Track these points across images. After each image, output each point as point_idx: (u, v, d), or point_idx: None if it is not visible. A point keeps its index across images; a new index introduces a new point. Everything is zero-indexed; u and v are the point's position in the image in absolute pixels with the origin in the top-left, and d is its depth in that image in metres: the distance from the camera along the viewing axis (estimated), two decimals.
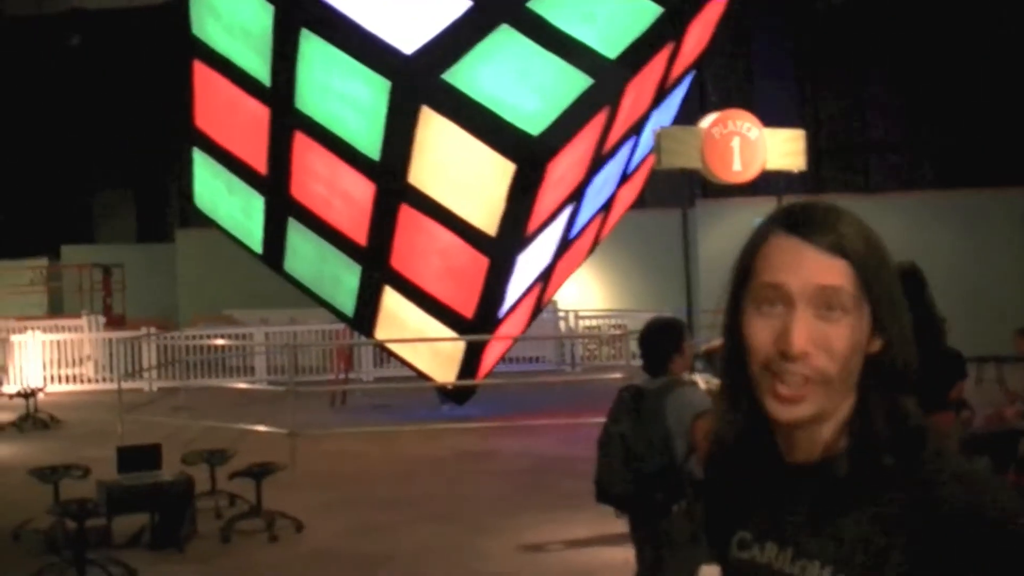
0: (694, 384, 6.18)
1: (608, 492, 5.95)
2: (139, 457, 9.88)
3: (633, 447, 5.78)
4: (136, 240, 33.65)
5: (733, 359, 1.68)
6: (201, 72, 14.51)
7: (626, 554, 6.24)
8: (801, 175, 14.84)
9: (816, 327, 1.58)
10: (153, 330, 22.50)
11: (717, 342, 7.80)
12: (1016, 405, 11.10)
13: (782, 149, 14.27)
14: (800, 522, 1.65)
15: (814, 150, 14.17)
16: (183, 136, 15.80)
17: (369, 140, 13.13)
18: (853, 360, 1.61)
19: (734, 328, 1.68)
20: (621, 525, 6.19)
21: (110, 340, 22.54)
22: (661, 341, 6.00)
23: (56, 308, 30.00)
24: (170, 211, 32.38)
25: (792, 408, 1.60)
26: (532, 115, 12.43)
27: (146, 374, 21.54)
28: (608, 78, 12.79)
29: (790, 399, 1.59)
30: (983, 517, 1.52)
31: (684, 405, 5.73)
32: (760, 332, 1.62)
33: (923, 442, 1.61)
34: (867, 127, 25.60)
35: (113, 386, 18.30)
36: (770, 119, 15.18)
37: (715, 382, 8.26)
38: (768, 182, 15.21)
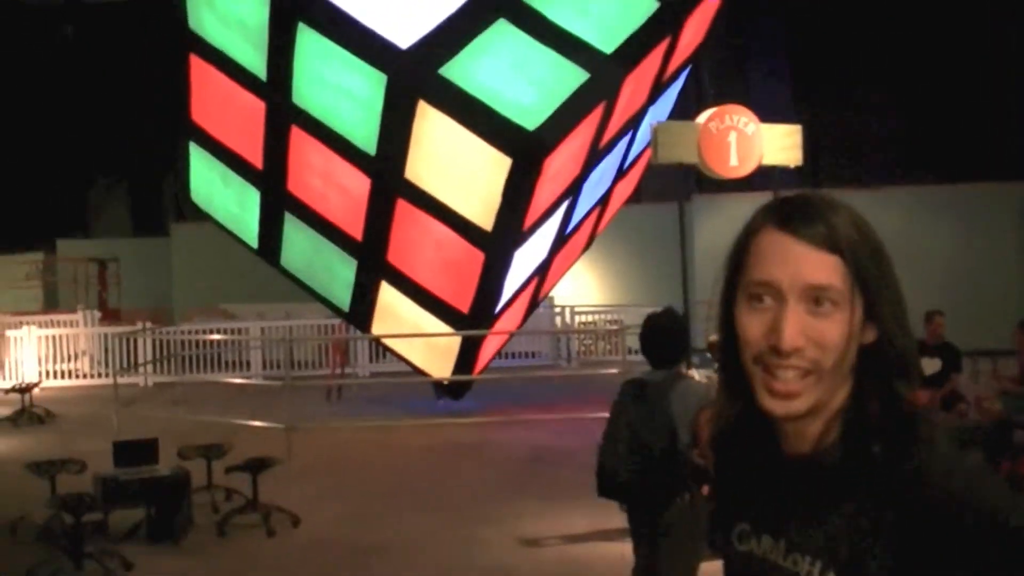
0: (694, 377, 6.21)
1: (613, 480, 5.98)
2: (135, 451, 9.89)
3: (639, 434, 5.81)
4: (132, 234, 33.62)
5: (729, 350, 1.70)
6: (197, 66, 14.49)
7: (623, 548, 6.26)
8: (798, 170, 14.83)
9: (808, 322, 1.59)
10: (149, 325, 22.47)
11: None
12: (994, 397, 11.10)
13: (779, 144, 14.26)
14: (792, 515, 1.66)
15: (811, 144, 14.13)
16: (179, 129, 15.78)
17: (365, 134, 13.12)
18: (847, 351, 1.61)
19: (728, 320, 1.68)
20: (619, 519, 6.20)
21: (105, 335, 22.52)
22: (673, 337, 6.01)
23: (51, 303, 29.96)
24: (166, 204, 32.30)
25: (787, 403, 1.61)
26: (528, 110, 12.41)
27: (141, 369, 21.51)
28: (605, 73, 12.78)
29: (784, 394, 1.60)
30: (973, 510, 1.51)
31: (690, 396, 5.76)
32: (752, 326, 1.62)
33: (914, 431, 1.60)
34: (865, 120, 25.55)
35: (108, 381, 18.28)
36: (766, 112, 15.18)
37: (715, 376, 8.28)
38: (765, 177, 15.21)
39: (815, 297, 1.59)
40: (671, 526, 5.86)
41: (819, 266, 1.59)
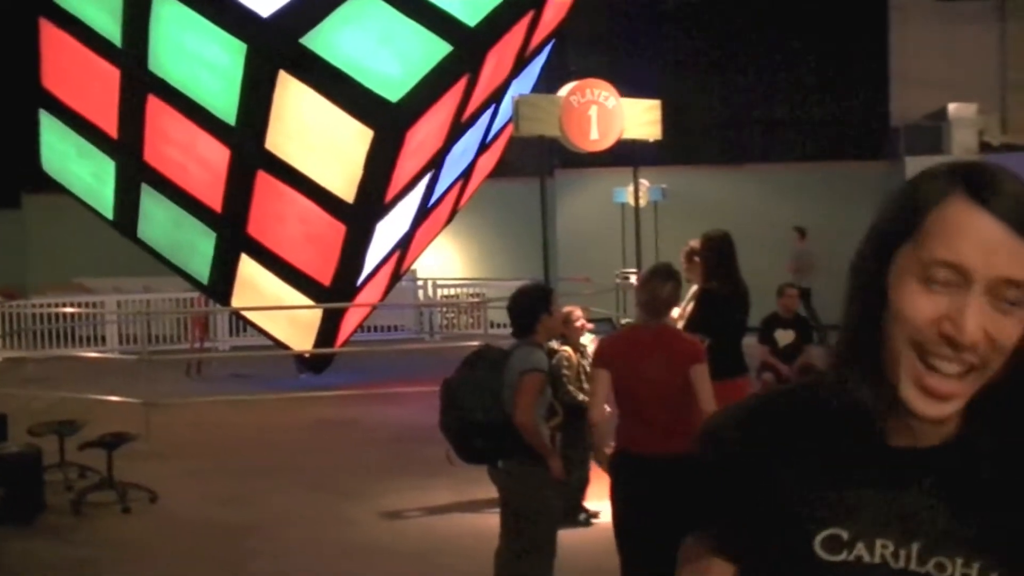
0: (541, 348, 6.31)
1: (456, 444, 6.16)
2: None
3: (459, 395, 5.97)
4: None
5: (865, 321, 1.48)
6: (48, 31, 14.06)
7: (490, 520, 6.31)
8: (659, 145, 15.04)
9: (990, 317, 1.39)
10: None
11: (567, 308, 8.01)
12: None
13: (640, 119, 14.44)
14: (928, 513, 1.48)
15: (685, 121, 14.30)
16: (29, 97, 15.29)
17: (225, 104, 12.89)
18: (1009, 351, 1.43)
19: (875, 286, 1.48)
20: (486, 490, 6.27)
21: None
22: (528, 304, 6.14)
23: None
24: (19, 175, 31.24)
25: (940, 405, 1.42)
26: (391, 81, 12.35)
27: None
28: (468, 45, 12.77)
29: (941, 395, 1.42)
30: None
31: (520, 361, 5.91)
32: (921, 307, 1.41)
33: None
34: (737, 100, 25.81)
35: None
36: (642, 89, 15.37)
37: (567, 349, 8.39)
38: (628, 153, 15.38)
39: (1007, 296, 1.39)
40: (501, 492, 6.00)
41: (1019, 258, 1.38)
